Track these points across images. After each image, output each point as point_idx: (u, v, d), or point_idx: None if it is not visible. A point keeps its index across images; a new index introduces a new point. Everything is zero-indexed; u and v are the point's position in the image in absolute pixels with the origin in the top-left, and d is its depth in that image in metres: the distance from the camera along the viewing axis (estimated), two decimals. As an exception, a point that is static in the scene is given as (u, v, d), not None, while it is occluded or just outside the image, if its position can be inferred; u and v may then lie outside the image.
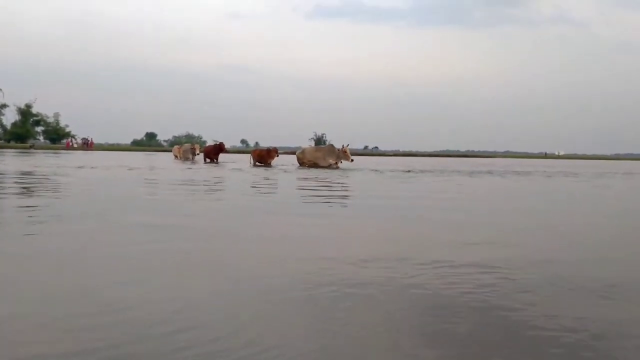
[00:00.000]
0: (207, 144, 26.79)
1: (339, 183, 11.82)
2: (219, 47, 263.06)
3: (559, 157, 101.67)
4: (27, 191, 8.50)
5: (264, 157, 21.92)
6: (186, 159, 26.90)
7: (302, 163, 20.01)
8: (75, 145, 65.72)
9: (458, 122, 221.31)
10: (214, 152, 24.42)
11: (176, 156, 31.68)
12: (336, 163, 19.18)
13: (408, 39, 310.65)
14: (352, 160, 19.21)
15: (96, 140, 72.81)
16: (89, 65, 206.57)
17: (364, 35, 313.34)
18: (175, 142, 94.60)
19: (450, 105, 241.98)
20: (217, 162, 23.57)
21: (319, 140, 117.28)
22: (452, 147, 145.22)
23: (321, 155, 19.41)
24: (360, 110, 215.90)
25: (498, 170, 21.78)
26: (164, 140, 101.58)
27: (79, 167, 16.71)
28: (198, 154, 26.55)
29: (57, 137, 72.00)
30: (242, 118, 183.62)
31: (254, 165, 21.55)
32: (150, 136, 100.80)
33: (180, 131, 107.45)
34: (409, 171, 18.69)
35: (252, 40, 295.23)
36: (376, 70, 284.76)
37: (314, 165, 19.33)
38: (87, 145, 65.42)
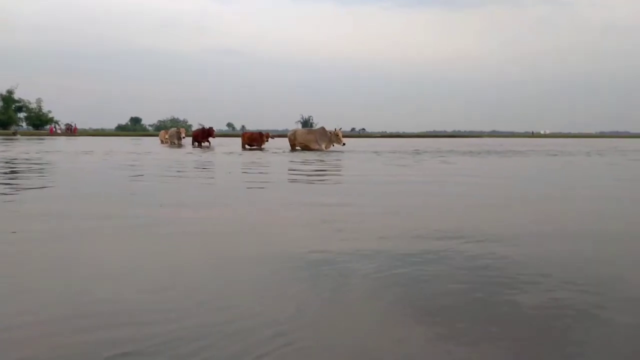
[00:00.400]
0: (195, 128, 26.52)
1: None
2: (203, 31, 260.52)
3: (545, 136, 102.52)
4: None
5: (255, 139, 21.71)
6: (172, 143, 26.52)
7: (293, 145, 19.71)
8: (58, 131, 64.83)
9: (444, 102, 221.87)
10: (202, 136, 24.26)
11: (162, 141, 31.33)
12: (327, 147, 18.88)
13: (394, 19, 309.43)
14: (344, 143, 18.91)
15: (80, 125, 71.88)
16: (71, 50, 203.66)
17: (350, 16, 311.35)
18: (161, 126, 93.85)
19: (436, 85, 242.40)
20: (208, 146, 23.39)
21: (306, 123, 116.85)
22: (439, 127, 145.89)
23: (313, 138, 19.05)
24: (347, 92, 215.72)
25: (504, 150, 21.69)
26: (149, 125, 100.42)
27: (86, 152, 16.66)
28: (184, 138, 26.30)
29: (40, 123, 70.85)
30: (227, 101, 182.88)
31: (244, 148, 21.32)
32: (135, 121, 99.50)
33: (165, 115, 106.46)
34: (419, 152, 18.66)
35: (237, 23, 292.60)
36: (363, 51, 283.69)
37: (306, 147, 18.97)
38: (70, 131, 64.59)
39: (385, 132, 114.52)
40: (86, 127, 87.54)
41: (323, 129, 19.10)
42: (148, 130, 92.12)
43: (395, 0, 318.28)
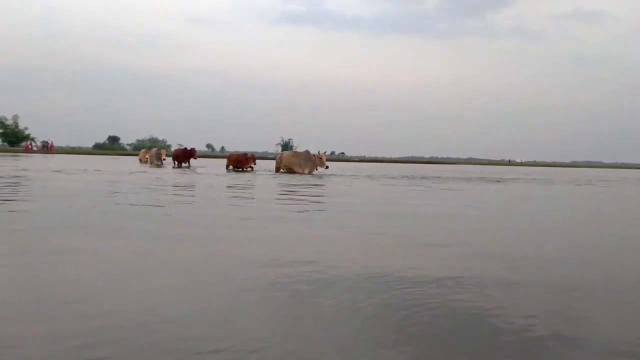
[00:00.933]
0: (174, 148, 26.43)
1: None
2: (183, 52, 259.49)
3: (520, 164, 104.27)
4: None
5: (241, 162, 21.55)
6: (152, 163, 26.35)
7: (278, 168, 19.81)
8: (34, 149, 63.78)
9: (420, 129, 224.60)
10: (183, 157, 24.11)
11: (141, 160, 31.16)
12: (310, 171, 18.89)
13: (372, 46, 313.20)
14: (327, 166, 18.87)
15: (56, 143, 70.89)
16: (49, 68, 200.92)
17: (329, 42, 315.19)
18: (139, 145, 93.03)
19: (413, 112, 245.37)
20: (188, 167, 23.33)
21: (287, 145, 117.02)
22: (416, 153, 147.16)
23: (297, 162, 19.04)
24: (326, 116, 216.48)
25: (497, 178, 22.38)
26: (127, 144, 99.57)
27: (56, 171, 16.26)
28: (164, 159, 26.09)
29: (15, 139, 69.69)
30: (207, 122, 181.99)
31: (231, 170, 21.19)
32: (113, 139, 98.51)
33: (144, 135, 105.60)
34: (422, 177, 18.89)
35: (218, 45, 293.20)
36: (341, 76, 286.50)
37: (290, 171, 19.03)
38: (47, 148, 63.60)
39: (364, 156, 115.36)
40: (63, 144, 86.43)
41: (308, 152, 19.06)
42: (126, 150, 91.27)
43: (372, 27, 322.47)
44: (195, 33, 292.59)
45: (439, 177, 21.58)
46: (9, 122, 70.74)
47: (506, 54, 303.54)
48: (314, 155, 18.94)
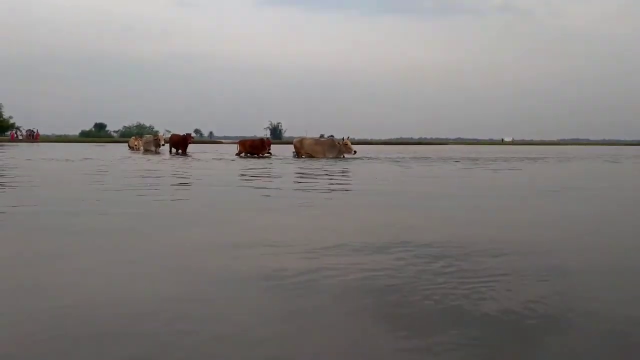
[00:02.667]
0: (172, 134, 25.51)
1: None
2: (167, 36, 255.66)
3: (509, 143, 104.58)
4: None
5: (258, 147, 20.62)
6: (147, 150, 25.39)
7: (299, 154, 19.04)
8: (20, 137, 62.41)
9: (407, 110, 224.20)
10: (182, 143, 23.35)
11: (132, 147, 30.17)
12: (336, 158, 17.98)
13: (361, 27, 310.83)
14: (354, 151, 17.84)
15: (42, 131, 69.44)
16: (32, 55, 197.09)
17: (315, 23, 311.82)
18: (126, 132, 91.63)
19: (401, 92, 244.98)
20: (184, 154, 22.61)
21: (275, 130, 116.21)
22: (404, 134, 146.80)
23: (320, 150, 18.29)
24: (313, 99, 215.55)
25: (531, 157, 22.44)
26: (114, 131, 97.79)
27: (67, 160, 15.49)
28: (163, 145, 25.08)
29: (0, 129, 68.05)
30: (193, 107, 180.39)
31: (243, 156, 20.35)
32: (100, 127, 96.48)
33: (130, 121, 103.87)
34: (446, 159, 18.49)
35: (201, 29, 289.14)
36: (328, 57, 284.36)
37: (312, 157, 18.33)
38: (32, 137, 62.26)
39: (354, 138, 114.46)
40: (49, 133, 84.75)
41: (332, 140, 18.39)
42: (113, 137, 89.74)
43: (362, 8, 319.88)
44: (180, 17, 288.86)
45: (461, 158, 20.82)
46: (-7, 111, 68.97)
47: (494, 31, 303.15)
48: (338, 142, 18.22)
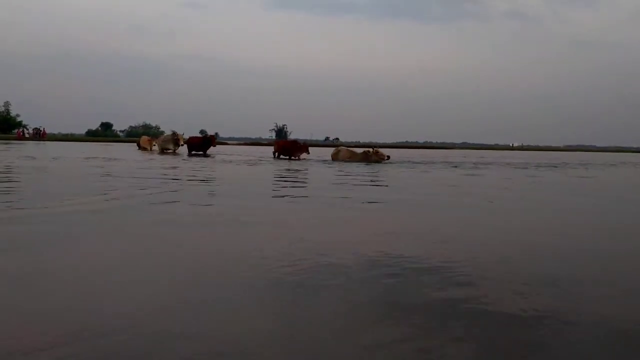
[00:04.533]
0: (166, 134, 24.79)
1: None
2: (175, 37, 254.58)
3: (515, 148, 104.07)
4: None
5: (291, 150, 20.43)
6: (165, 149, 24.61)
7: (335, 160, 19.38)
8: (27, 135, 61.93)
9: (412, 113, 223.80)
10: (202, 145, 22.76)
11: (143, 147, 29.18)
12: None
13: (368, 31, 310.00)
14: (388, 156, 18.53)
15: (49, 130, 68.96)
16: (41, 53, 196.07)
17: (323, 26, 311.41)
18: (133, 132, 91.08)
19: (407, 96, 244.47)
20: (204, 155, 22.02)
21: (280, 131, 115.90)
22: (411, 138, 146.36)
23: (355, 161, 18.66)
24: (320, 102, 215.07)
25: (514, 163, 22.46)
26: (120, 131, 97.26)
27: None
28: (182, 145, 24.25)
29: (7, 126, 67.61)
30: (199, 108, 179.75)
31: (277, 157, 20.53)
32: (106, 126, 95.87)
33: (137, 121, 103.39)
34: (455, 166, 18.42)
35: (208, 30, 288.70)
36: (335, 61, 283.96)
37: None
38: (39, 135, 61.85)
39: (359, 141, 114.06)
40: (55, 131, 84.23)
41: (365, 153, 18.67)
42: (119, 136, 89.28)
43: (368, 12, 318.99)
44: (188, 18, 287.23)
45: (472, 161, 20.89)
46: (1, 108, 68.61)
47: (501, 37, 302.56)
48: (368, 151, 18.67)
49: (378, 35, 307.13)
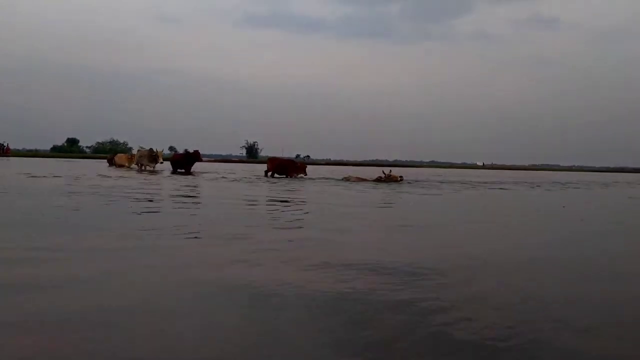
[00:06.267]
0: (135, 151, 24.00)
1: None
2: (144, 51, 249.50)
3: (482, 167, 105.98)
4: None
5: (289, 169, 19.46)
6: (141, 165, 23.80)
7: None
8: (-11, 151, 59.76)
9: (383, 132, 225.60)
10: (186, 161, 22.09)
11: (122, 165, 28.20)
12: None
13: (337, 50, 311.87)
14: (401, 177, 18.50)
15: (12, 145, 66.73)
16: (6, 66, 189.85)
17: (293, 44, 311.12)
18: (100, 149, 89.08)
19: (375, 115, 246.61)
20: (187, 173, 21.37)
21: (251, 148, 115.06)
22: (380, 156, 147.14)
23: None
24: (290, 119, 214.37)
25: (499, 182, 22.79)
26: (87, 147, 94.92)
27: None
28: (161, 163, 23.56)
29: (-31, 142, 65.09)
30: (169, 124, 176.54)
31: (271, 175, 19.40)
32: (72, 142, 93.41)
33: (104, 137, 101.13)
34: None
35: (180, 45, 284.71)
36: (306, 79, 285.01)
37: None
38: (2, 150, 59.71)
39: (330, 159, 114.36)
40: (19, 147, 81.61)
41: (379, 177, 18.44)
42: (86, 153, 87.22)
43: (339, 31, 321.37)
44: (157, 32, 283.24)
45: (448, 181, 21.04)
46: (-39, 123, 66.11)
47: (467, 57, 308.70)
48: (380, 177, 18.38)
49: (347, 54, 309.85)
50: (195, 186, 13.22)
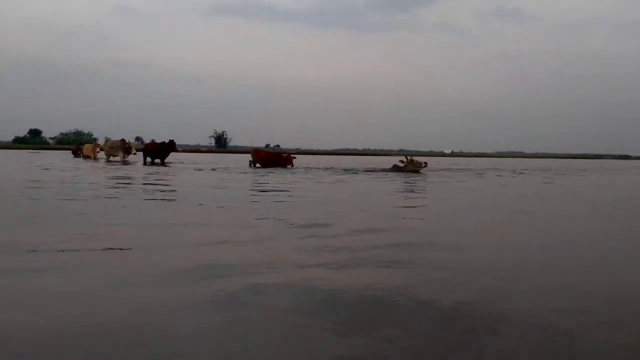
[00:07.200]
0: (100, 142, 23.47)
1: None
2: (109, 43, 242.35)
3: (450, 155, 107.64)
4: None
5: (274, 161, 19.47)
6: (112, 156, 23.35)
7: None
8: (-52, 143, 57.84)
9: (350, 121, 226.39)
10: (162, 151, 21.71)
11: (88, 156, 27.68)
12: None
13: (305, 39, 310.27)
14: (425, 163, 17.28)
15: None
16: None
17: (261, 35, 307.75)
18: (64, 139, 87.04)
19: (344, 104, 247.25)
20: (162, 163, 21.14)
21: (220, 138, 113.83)
22: (350, 145, 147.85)
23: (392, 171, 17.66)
24: (259, 109, 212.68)
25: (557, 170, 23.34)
26: (50, 138, 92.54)
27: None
28: (135, 154, 23.22)
29: None
30: (135, 115, 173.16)
31: (254, 166, 19.32)
32: (34, 133, 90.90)
33: (68, 128, 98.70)
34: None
35: (146, 37, 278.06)
36: (272, 69, 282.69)
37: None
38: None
39: (300, 148, 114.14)
40: (-23, 138, 79.02)
41: (396, 166, 17.60)
42: (49, 144, 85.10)
43: (305, 22, 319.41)
44: (122, 23, 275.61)
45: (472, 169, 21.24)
46: None
47: (433, 48, 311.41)
48: (401, 161, 17.47)
49: (315, 44, 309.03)
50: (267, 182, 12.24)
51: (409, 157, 17.51)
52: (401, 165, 17.32)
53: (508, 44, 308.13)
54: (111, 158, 23.36)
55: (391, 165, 18.05)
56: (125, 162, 21.88)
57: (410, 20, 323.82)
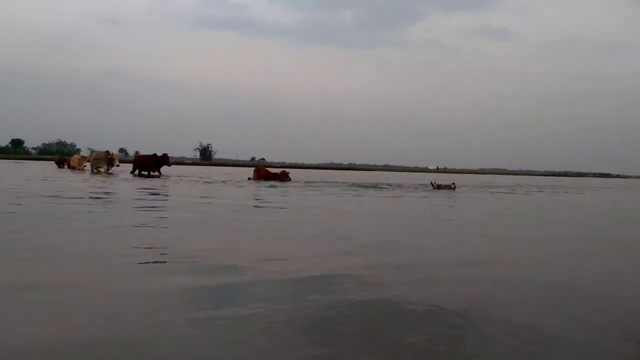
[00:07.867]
0: (83, 153, 23.18)
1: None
2: (95, 53, 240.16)
3: (434, 171, 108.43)
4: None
5: (272, 179, 19.63)
6: (97, 168, 23.03)
7: None
8: None
9: (336, 136, 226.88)
10: (153, 164, 21.35)
11: (74, 167, 27.24)
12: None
13: (293, 54, 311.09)
14: (453, 184, 18.25)
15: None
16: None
17: (248, 49, 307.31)
18: (47, 150, 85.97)
19: (329, 118, 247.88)
20: (158, 176, 20.66)
21: (205, 151, 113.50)
22: (335, 160, 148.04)
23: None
24: (245, 122, 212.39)
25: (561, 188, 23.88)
26: (32, 148, 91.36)
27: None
28: (118, 166, 22.92)
29: None
30: (119, 126, 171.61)
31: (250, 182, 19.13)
32: (17, 143, 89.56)
33: (50, 138, 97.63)
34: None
35: (132, 47, 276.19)
36: (260, 82, 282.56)
37: None
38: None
39: (285, 162, 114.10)
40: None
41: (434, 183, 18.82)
42: (31, 154, 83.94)
43: (296, 36, 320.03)
44: (108, 34, 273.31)
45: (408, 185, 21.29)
46: None
47: (420, 65, 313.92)
48: (433, 185, 18.49)
49: (304, 59, 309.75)
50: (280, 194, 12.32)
51: (434, 183, 18.67)
52: (437, 187, 18.19)
53: (493, 61, 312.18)
54: (95, 169, 23.06)
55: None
56: (109, 174, 21.52)
57: (398, 37, 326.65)
